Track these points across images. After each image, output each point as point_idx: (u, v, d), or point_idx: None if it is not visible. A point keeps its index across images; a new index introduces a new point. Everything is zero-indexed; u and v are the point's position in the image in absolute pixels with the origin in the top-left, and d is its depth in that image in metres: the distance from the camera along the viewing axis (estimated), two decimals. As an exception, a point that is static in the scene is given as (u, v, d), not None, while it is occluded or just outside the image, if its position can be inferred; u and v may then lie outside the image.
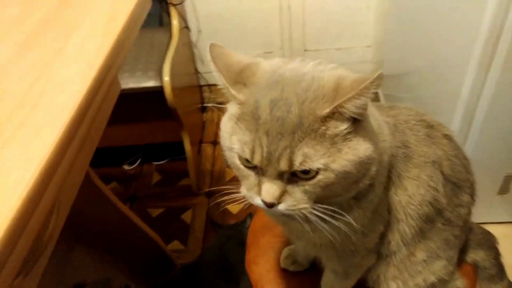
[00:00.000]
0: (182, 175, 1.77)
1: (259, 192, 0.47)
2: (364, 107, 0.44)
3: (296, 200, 0.46)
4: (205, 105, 2.11)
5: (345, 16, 1.92)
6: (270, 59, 0.51)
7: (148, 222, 1.27)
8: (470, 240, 0.77)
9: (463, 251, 0.75)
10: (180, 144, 1.62)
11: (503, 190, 1.33)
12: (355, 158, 0.45)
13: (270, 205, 0.46)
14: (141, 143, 1.85)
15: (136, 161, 1.86)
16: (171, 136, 1.65)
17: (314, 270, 0.77)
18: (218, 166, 1.81)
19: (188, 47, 1.90)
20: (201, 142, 1.94)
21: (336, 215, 0.49)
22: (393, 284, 0.66)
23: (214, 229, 1.55)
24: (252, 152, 0.45)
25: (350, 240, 0.55)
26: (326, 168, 0.44)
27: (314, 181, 0.45)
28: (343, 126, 0.44)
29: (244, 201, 0.51)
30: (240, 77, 0.47)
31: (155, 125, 1.69)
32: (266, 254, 0.83)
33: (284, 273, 0.79)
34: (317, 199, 0.48)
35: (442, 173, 0.61)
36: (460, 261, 0.75)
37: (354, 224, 0.51)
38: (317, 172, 0.44)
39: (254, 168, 0.47)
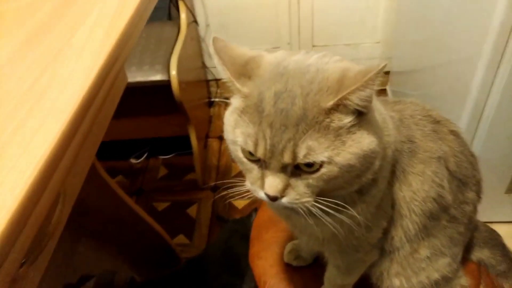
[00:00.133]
0: (188, 170, 1.78)
1: (262, 185, 0.47)
2: (369, 100, 0.44)
3: (299, 193, 0.46)
4: (212, 99, 2.11)
5: (354, 12, 1.91)
6: (273, 52, 0.50)
7: (153, 216, 1.27)
8: (475, 239, 0.76)
9: (468, 249, 0.74)
10: (187, 139, 1.62)
11: (510, 189, 1.32)
12: (359, 151, 0.45)
13: (274, 199, 0.46)
14: (148, 137, 1.85)
15: (143, 155, 1.87)
16: (177, 130, 1.65)
17: (317, 265, 0.77)
18: (224, 161, 1.82)
19: (196, 41, 1.90)
20: (207, 136, 1.94)
21: (340, 208, 0.48)
22: (396, 281, 0.66)
23: (220, 223, 1.55)
24: (256, 145, 0.45)
25: (353, 235, 0.55)
26: (330, 161, 0.44)
27: (318, 174, 0.45)
28: (348, 119, 0.44)
29: (249, 196, 0.51)
30: (245, 69, 0.47)
31: (162, 119, 1.69)
32: (270, 249, 0.83)
33: (287, 267, 0.79)
34: (320, 193, 0.47)
35: (448, 169, 0.60)
36: (465, 259, 0.74)
37: (358, 217, 0.51)
38: (320, 165, 0.44)
39: (257, 161, 0.47)
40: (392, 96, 1.86)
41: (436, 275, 0.65)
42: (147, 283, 1.27)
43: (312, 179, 0.45)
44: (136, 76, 1.47)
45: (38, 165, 0.45)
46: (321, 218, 0.48)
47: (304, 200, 0.47)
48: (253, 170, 0.48)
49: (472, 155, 0.65)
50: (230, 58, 0.48)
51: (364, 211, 0.52)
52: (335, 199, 0.48)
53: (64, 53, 0.61)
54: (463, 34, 1.16)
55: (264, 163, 0.46)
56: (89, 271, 1.05)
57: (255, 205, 1.46)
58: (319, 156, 0.43)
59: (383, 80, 0.45)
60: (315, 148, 0.43)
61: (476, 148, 1.20)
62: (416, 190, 0.58)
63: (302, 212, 0.48)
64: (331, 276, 0.70)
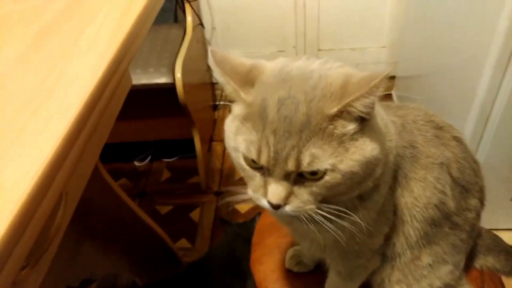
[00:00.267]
0: (191, 173, 1.77)
1: (265, 193, 0.46)
2: (372, 106, 0.44)
3: (303, 201, 0.46)
4: (217, 103, 2.11)
5: (360, 16, 1.91)
6: (273, 59, 0.50)
7: (156, 219, 1.27)
8: (479, 246, 0.76)
9: (471, 257, 0.74)
10: (191, 142, 1.62)
11: (516, 196, 1.31)
12: (361, 158, 0.44)
13: (277, 207, 0.46)
14: (152, 139, 1.86)
15: (147, 158, 1.88)
16: (182, 133, 1.66)
17: (318, 271, 0.76)
18: (227, 165, 1.81)
19: (201, 44, 1.91)
20: (211, 140, 1.94)
21: (341, 214, 0.48)
22: (397, 288, 0.65)
23: (224, 227, 1.55)
24: (259, 152, 0.44)
25: (355, 241, 0.55)
26: (333, 169, 0.43)
27: (321, 182, 0.45)
28: (351, 126, 0.44)
29: (252, 202, 0.50)
30: (248, 77, 0.47)
31: (166, 122, 1.70)
32: (271, 254, 0.83)
33: (289, 273, 0.79)
34: (322, 199, 0.47)
35: (451, 175, 0.60)
36: (468, 267, 0.73)
37: (360, 222, 0.50)
38: (324, 173, 0.44)
39: (259, 168, 0.47)
40: (397, 101, 1.85)
41: (438, 283, 0.65)
42: (149, 287, 1.27)
43: (315, 186, 0.45)
44: (141, 78, 1.47)
45: (42, 165, 0.45)
46: (323, 224, 0.48)
47: (307, 207, 0.46)
48: (256, 178, 0.48)
49: (475, 161, 0.65)
50: (232, 68, 0.47)
51: (365, 216, 0.52)
52: (337, 205, 0.47)
53: (70, 54, 0.62)
54: (470, 38, 1.16)
55: (267, 170, 0.46)
56: (91, 274, 1.05)
57: (259, 209, 1.46)
58: (324, 163, 0.43)
59: (388, 85, 0.45)
60: (319, 156, 0.43)
61: (482, 153, 1.19)
62: (417, 196, 0.58)
63: (304, 218, 0.48)
64: (332, 282, 0.69)
